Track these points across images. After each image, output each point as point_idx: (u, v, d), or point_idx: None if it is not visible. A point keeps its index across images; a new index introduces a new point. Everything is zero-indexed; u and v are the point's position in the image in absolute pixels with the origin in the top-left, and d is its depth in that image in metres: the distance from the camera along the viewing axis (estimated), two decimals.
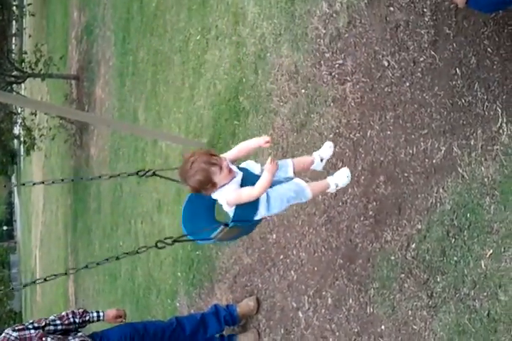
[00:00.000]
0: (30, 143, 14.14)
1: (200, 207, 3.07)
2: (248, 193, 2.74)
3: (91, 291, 10.87)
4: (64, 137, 13.75)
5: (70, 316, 4.03)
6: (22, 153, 17.09)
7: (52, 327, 3.92)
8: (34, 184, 4.00)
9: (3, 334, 3.81)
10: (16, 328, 3.84)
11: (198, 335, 4.32)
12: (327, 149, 3.15)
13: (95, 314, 4.16)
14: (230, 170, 2.75)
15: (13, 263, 52.27)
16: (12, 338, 3.75)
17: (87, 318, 4.11)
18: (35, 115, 13.77)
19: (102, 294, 9.77)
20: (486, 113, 2.73)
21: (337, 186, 3.05)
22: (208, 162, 2.67)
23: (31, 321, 3.94)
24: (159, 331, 4.22)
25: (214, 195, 2.80)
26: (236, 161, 2.95)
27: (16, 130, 16.95)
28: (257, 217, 2.89)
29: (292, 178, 2.95)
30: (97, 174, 10.97)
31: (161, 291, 6.57)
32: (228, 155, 2.89)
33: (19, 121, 14.90)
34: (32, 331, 3.82)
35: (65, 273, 3.38)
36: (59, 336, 3.88)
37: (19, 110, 15.47)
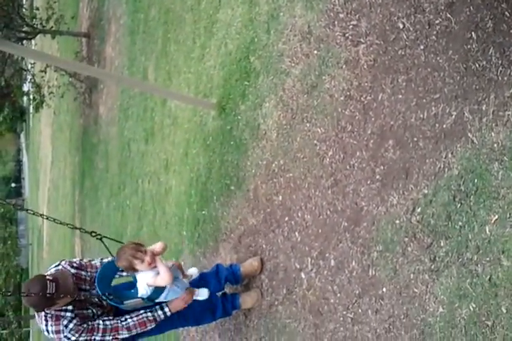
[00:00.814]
0: (40, 100, 14.14)
1: (108, 274, 3.99)
2: (163, 279, 3.73)
3: (97, 249, 11.01)
4: (73, 95, 13.73)
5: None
6: (31, 111, 17.06)
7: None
8: (33, 213, 4.35)
9: (61, 267, 3.88)
10: (74, 265, 3.92)
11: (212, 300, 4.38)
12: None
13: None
14: (151, 264, 3.68)
15: (21, 220, 52.93)
16: (69, 273, 3.82)
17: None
18: (45, 72, 13.72)
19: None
20: (500, 78, 2.69)
21: (197, 296, 4.12)
22: (132, 256, 3.64)
23: (85, 261, 4.04)
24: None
25: (137, 275, 3.77)
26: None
27: (26, 87, 16.91)
28: (157, 300, 3.90)
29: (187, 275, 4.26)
30: (105, 133, 10.99)
31: (167, 250, 6.64)
32: (155, 251, 3.82)
33: (29, 77, 14.86)
34: (86, 274, 3.93)
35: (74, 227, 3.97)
36: None
37: (29, 67, 15.40)
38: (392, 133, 3.30)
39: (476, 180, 2.72)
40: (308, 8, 4.13)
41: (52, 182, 22.90)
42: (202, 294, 4.13)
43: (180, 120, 6.69)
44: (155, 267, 3.70)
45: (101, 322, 3.84)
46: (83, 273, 3.92)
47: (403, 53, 3.28)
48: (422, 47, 3.16)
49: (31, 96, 14.51)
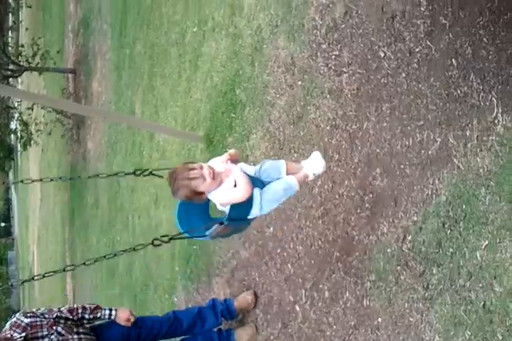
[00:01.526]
0: (27, 138, 14.11)
1: (194, 204, 3.09)
2: (234, 195, 2.83)
3: (89, 287, 10.87)
4: (61, 132, 13.72)
5: (80, 311, 4.01)
6: (19, 148, 17.04)
7: (62, 320, 3.92)
8: (33, 181, 3.97)
9: (14, 319, 3.80)
10: (28, 315, 3.83)
11: (195, 329, 4.31)
12: (316, 161, 3.03)
13: (107, 312, 4.09)
14: (215, 176, 2.80)
15: (11, 259, 52.25)
16: (23, 324, 3.74)
17: (99, 315, 4.07)
18: (32, 110, 13.74)
19: (100, 290, 9.76)
20: (482, 103, 2.72)
21: (315, 174, 3.04)
22: (187, 178, 2.77)
23: (42, 309, 3.93)
24: (157, 325, 4.22)
25: (209, 197, 2.89)
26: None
27: (13, 125, 16.91)
28: (250, 216, 2.96)
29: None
30: (93, 168, 10.96)
31: (159, 286, 6.57)
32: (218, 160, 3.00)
33: (16, 115, 14.87)
34: (43, 319, 3.83)
35: (64, 270, 3.36)
36: (68, 326, 3.89)
37: (16, 104, 15.43)
38: (379, 161, 3.31)
39: (464, 206, 2.72)
40: (290, 40, 4.18)
41: (41, 221, 22.71)
42: (315, 162, 3.02)
43: (168, 153, 6.68)
44: (221, 181, 2.85)
45: None
46: (38, 319, 3.83)
47: (386, 81, 3.31)
48: (403, 75, 3.19)
49: (19, 134, 14.49)
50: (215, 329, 4.43)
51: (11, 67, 12.74)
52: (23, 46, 14.05)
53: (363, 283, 3.31)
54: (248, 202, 2.86)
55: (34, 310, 3.93)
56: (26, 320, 3.77)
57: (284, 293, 4.04)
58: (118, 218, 9.07)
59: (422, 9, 3.09)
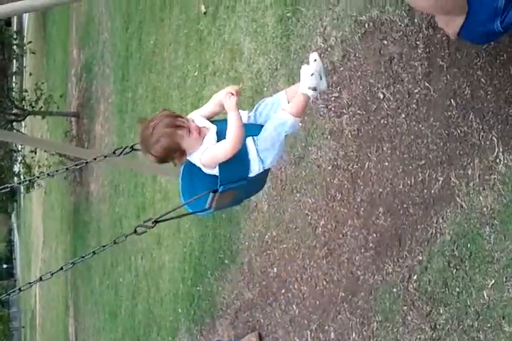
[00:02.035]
0: (30, 181, 14.14)
1: (198, 173, 2.51)
2: (222, 147, 2.29)
3: (91, 330, 10.73)
4: (64, 174, 13.77)
5: None
6: (22, 191, 17.08)
7: None
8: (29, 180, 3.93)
9: None
10: None
11: None
12: (313, 63, 2.48)
13: None
14: (200, 132, 2.33)
15: (13, 301, 51.65)
16: None
17: None
18: (35, 153, 13.83)
19: (103, 332, 9.64)
20: (482, 142, 2.75)
21: (315, 89, 2.46)
22: (172, 125, 2.26)
23: None
24: None
25: (190, 159, 2.40)
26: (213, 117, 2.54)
27: (16, 168, 16.99)
28: (251, 174, 2.47)
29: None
30: (96, 210, 10.97)
31: (162, 328, 6.49)
32: (202, 111, 2.49)
33: (19, 158, 14.96)
34: None
35: (40, 279, 3.03)
36: None
37: (19, 148, 15.54)
38: (382, 200, 3.32)
39: (469, 245, 2.72)
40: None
41: (44, 262, 22.56)
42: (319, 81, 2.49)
43: (171, 194, 6.70)
44: (205, 134, 2.37)
45: None
46: None
47: (386, 122, 3.35)
48: (403, 115, 3.24)
49: (22, 177, 14.55)
50: None
51: (14, 111, 12.89)
52: (26, 91, 14.24)
53: (370, 324, 3.28)
54: (242, 157, 2.39)
55: None
56: None
57: (290, 334, 3.99)
58: (120, 259, 9.03)
59: (419, 51, 3.16)
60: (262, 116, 2.49)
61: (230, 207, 2.90)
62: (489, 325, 2.56)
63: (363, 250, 3.43)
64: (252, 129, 2.39)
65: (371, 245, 3.36)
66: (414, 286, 3.00)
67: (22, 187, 15.79)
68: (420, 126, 3.11)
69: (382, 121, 3.38)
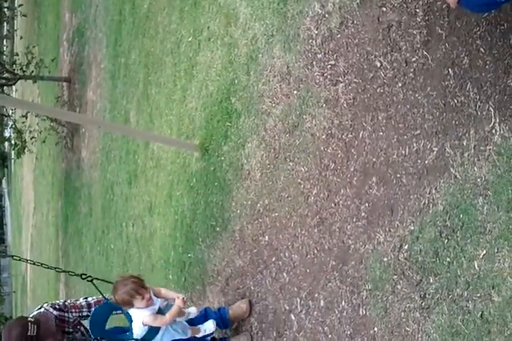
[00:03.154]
0: (21, 146, 14.07)
1: (101, 317, 3.93)
2: (162, 319, 3.71)
3: (82, 295, 10.79)
4: (55, 140, 13.69)
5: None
6: (13, 156, 16.99)
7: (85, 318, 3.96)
8: (20, 259, 4.14)
9: (43, 310, 3.80)
10: (57, 307, 3.84)
11: (188, 339, 4.28)
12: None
13: None
14: (149, 301, 3.63)
15: (4, 267, 51.93)
16: (52, 316, 3.75)
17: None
18: (26, 117, 13.71)
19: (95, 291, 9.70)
20: (479, 113, 2.72)
21: (205, 331, 4.13)
22: (135, 290, 3.56)
23: (68, 301, 3.94)
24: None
25: (131, 311, 3.69)
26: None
27: (7, 132, 16.85)
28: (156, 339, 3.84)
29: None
30: (88, 176, 10.94)
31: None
32: (154, 289, 3.80)
33: (10, 123, 14.83)
34: (70, 316, 3.84)
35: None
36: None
37: (10, 112, 15.40)
38: (375, 170, 3.31)
39: (461, 216, 2.72)
40: (286, 50, 4.19)
41: (35, 228, 22.61)
42: (209, 327, 4.15)
43: (163, 162, 6.67)
44: (151, 305, 3.68)
45: None
46: (66, 314, 3.84)
47: (382, 91, 3.32)
48: (400, 84, 3.20)
49: (13, 142, 14.45)
50: (209, 338, 4.40)
51: (5, 75, 12.72)
52: (17, 55, 14.04)
53: (359, 292, 3.30)
54: (156, 329, 3.78)
55: (61, 302, 3.93)
56: (55, 312, 3.78)
57: (279, 301, 4.02)
58: (112, 226, 9.04)
59: (419, 19, 3.11)
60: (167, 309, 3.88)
61: None
62: (479, 294, 2.58)
63: (354, 219, 3.43)
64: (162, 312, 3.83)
65: (363, 214, 3.36)
66: (405, 256, 3.01)
67: (13, 153, 15.68)
68: (417, 95, 3.08)
69: (378, 90, 3.34)
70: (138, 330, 3.71)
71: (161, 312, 3.77)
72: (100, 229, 9.78)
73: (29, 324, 3.48)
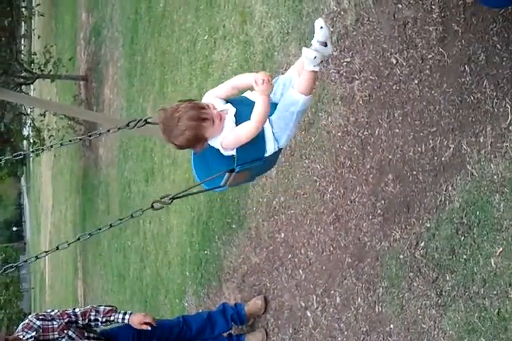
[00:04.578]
0: (40, 144, 14.19)
1: (213, 153, 2.58)
2: (246, 130, 2.36)
3: (99, 291, 10.90)
4: (73, 138, 13.81)
5: (93, 314, 4.03)
6: (31, 154, 17.16)
7: (74, 323, 3.95)
8: (42, 149, 3.99)
9: (27, 321, 3.86)
10: (40, 317, 3.87)
11: (205, 334, 4.32)
12: (319, 31, 2.49)
13: (121, 316, 4.05)
14: (221, 118, 2.38)
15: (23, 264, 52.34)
16: (35, 326, 3.80)
17: (112, 318, 4.05)
18: (44, 116, 13.82)
19: (111, 294, 9.79)
20: (496, 110, 2.71)
21: (325, 45, 2.47)
22: (197, 117, 2.30)
23: (55, 311, 3.96)
24: (166, 330, 4.23)
25: (210, 143, 2.46)
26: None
27: (25, 131, 17.02)
28: (267, 154, 2.53)
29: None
30: (105, 174, 11.03)
31: (170, 291, 6.58)
32: (219, 93, 2.52)
33: (28, 122, 14.96)
34: (55, 322, 3.86)
35: (57, 248, 3.00)
36: (79, 330, 3.92)
37: (28, 111, 15.54)
38: (391, 167, 3.30)
39: (478, 213, 2.71)
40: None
41: (53, 225, 22.82)
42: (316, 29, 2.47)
43: (179, 159, 6.70)
44: (224, 118, 2.43)
45: None
46: (50, 323, 3.86)
47: (398, 88, 3.31)
48: (416, 81, 3.20)
49: (31, 140, 14.58)
50: (225, 335, 4.43)
51: (23, 74, 12.83)
52: (35, 54, 14.15)
53: (375, 289, 3.31)
54: (258, 139, 2.42)
55: (46, 312, 3.96)
56: (38, 323, 3.82)
57: (295, 298, 4.04)
58: (129, 223, 9.10)
59: (434, 16, 3.10)
60: (277, 96, 2.50)
61: (243, 184, 2.98)
62: (495, 292, 2.57)
63: (370, 216, 3.43)
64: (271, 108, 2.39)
65: (379, 212, 3.36)
66: (421, 253, 3.01)
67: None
68: (433, 92, 3.07)
69: (394, 87, 3.33)
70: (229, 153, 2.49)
71: (248, 114, 2.40)
72: (118, 226, 9.85)
73: None
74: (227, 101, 2.51)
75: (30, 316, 3.93)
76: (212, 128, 2.34)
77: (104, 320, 4.03)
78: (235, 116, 2.41)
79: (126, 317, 4.06)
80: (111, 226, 2.90)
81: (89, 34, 13.21)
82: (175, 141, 2.35)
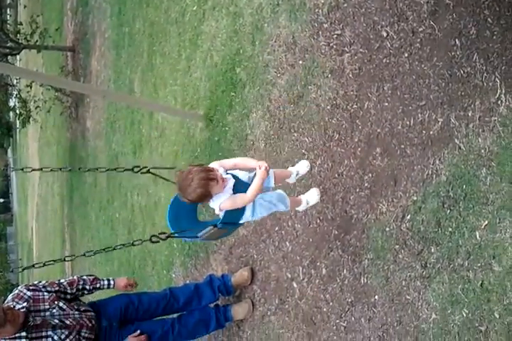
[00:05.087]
0: (26, 115, 14.06)
1: (183, 208, 3.29)
2: (242, 200, 3.01)
3: (87, 263, 10.93)
4: (60, 109, 13.67)
5: (81, 282, 4.08)
6: (18, 126, 17.01)
7: (62, 294, 3.96)
8: (32, 170, 4.05)
9: (17, 291, 3.85)
10: (30, 288, 3.87)
11: (192, 305, 4.36)
12: (304, 167, 3.44)
13: (106, 282, 4.20)
14: (224, 180, 2.96)
15: (10, 235, 52.46)
16: (26, 297, 3.79)
17: (98, 286, 4.15)
18: (31, 87, 13.66)
19: (99, 265, 9.83)
20: (485, 84, 2.72)
21: (308, 203, 3.44)
22: (206, 178, 2.86)
23: (43, 282, 3.97)
24: (153, 302, 4.27)
25: (211, 203, 3.03)
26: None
27: (12, 102, 16.82)
28: (242, 221, 3.19)
29: (271, 187, 3.27)
30: (93, 146, 10.96)
31: (157, 262, 6.61)
32: (225, 164, 3.09)
33: (14, 93, 14.79)
34: (45, 293, 3.87)
35: (64, 260, 3.47)
36: (68, 303, 3.94)
37: (14, 82, 15.34)
38: (380, 140, 3.31)
39: (464, 186, 2.73)
40: (292, 19, 4.15)
41: (40, 197, 22.75)
42: (312, 197, 3.44)
43: (167, 132, 6.67)
44: (226, 184, 2.99)
45: None
46: (41, 293, 3.87)
47: (388, 61, 3.30)
48: (406, 55, 3.19)
49: (17, 112, 14.44)
50: (212, 305, 4.48)
51: (9, 44, 12.63)
52: (21, 24, 13.91)
53: (361, 261, 3.35)
54: (241, 208, 3.07)
55: (36, 282, 3.97)
56: (29, 293, 3.82)
57: (282, 270, 4.08)
58: (116, 196, 9.10)
59: None
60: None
61: (211, 240, 3.55)
62: (479, 264, 2.61)
63: (358, 190, 3.45)
64: (246, 187, 3.01)
65: (366, 185, 3.38)
66: (407, 226, 3.04)
67: (18, 122, 15.69)
68: (423, 65, 3.07)
69: (384, 60, 3.32)
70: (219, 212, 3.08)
71: (240, 188, 3.05)
72: (105, 199, 9.84)
73: None
74: (226, 172, 3.08)
75: (19, 287, 3.93)
76: (217, 187, 2.91)
77: (91, 287, 4.08)
78: (233, 186, 2.99)
79: (111, 282, 4.21)
80: (114, 248, 3.46)
81: (76, 4, 12.99)
82: (188, 196, 2.89)
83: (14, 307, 3.71)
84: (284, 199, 3.25)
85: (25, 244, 35.42)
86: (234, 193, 2.99)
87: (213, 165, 3.05)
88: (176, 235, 3.27)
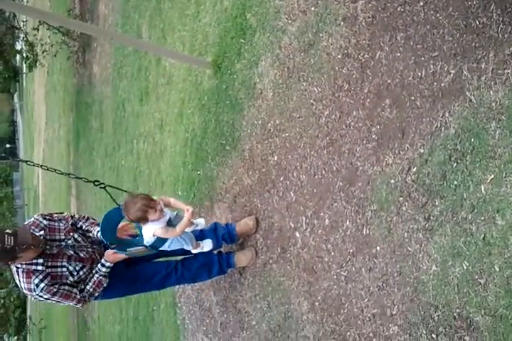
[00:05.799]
0: (33, 59, 13.93)
1: (111, 223, 3.93)
2: (172, 232, 3.80)
3: (93, 208, 11.06)
4: (66, 54, 13.53)
5: (85, 219, 4.18)
6: (24, 70, 16.86)
7: (76, 228, 4.03)
8: (34, 165, 4.09)
9: (33, 219, 3.90)
10: (47, 217, 3.93)
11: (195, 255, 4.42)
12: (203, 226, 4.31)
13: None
14: (161, 212, 3.67)
15: (16, 180, 52.95)
16: (42, 225, 3.85)
17: (91, 229, 4.15)
18: (38, 30, 13.48)
19: (104, 210, 9.90)
20: (500, 35, 2.64)
21: (202, 249, 4.26)
22: (147, 205, 3.59)
23: (59, 213, 4.04)
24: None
25: (144, 226, 3.74)
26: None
27: (18, 45, 16.63)
28: (162, 248, 3.92)
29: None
30: (99, 92, 10.90)
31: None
32: (164, 200, 3.82)
33: (21, 36, 14.61)
34: (61, 224, 3.92)
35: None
36: (83, 235, 4.01)
37: (21, 24, 15.13)
38: (390, 92, 3.26)
39: (472, 140, 2.70)
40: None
41: (46, 143, 22.81)
42: (207, 245, 4.27)
43: (175, 79, 6.60)
44: (163, 217, 3.72)
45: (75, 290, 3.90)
46: (56, 223, 3.92)
47: (402, 10, 3.21)
48: (421, 3, 3.09)
49: (24, 55, 14.29)
50: (216, 252, 4.54)
51: None
52: None
53: (364, 213, 3.35)
54: (165, 238, 3.86)
55: (51, 212, 4.03)
56: (45, 222, 3.87)
57: (285, 219, 4.10)
58: (122, 142, 9.10)
59: None
60: (177, 220, 3.87)
61: (132, 255, 4.01)
62: (483, 218, 2.61)
63: (364, 141, 3.42)
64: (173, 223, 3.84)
65: (374, 137, 3.35)
66: (413, 178, 3.02)
67: (24, 67, 15.54)
68: (438, 15, 2.98)
69: (398, 9, 3.23)
70: (148, 239, 3.80)
71: (170, 223, 3.82)
72: (111, 145, 9.86)
73: (5, 236, 3.53)
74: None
75: (35, 215, 3.97)
76: (154, 215, 3.63)
77: (86, 228, 4.12)
78: (168, 219, 3.78)
79: (107, 264, 4.10)
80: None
81: None
82: (130, 215, 3.60)
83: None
84: (192, 241, 4.09)
85: (31, 190, 35.80)
86: (167, 225, 3.76)
87: (156, 198, 3.74)
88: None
